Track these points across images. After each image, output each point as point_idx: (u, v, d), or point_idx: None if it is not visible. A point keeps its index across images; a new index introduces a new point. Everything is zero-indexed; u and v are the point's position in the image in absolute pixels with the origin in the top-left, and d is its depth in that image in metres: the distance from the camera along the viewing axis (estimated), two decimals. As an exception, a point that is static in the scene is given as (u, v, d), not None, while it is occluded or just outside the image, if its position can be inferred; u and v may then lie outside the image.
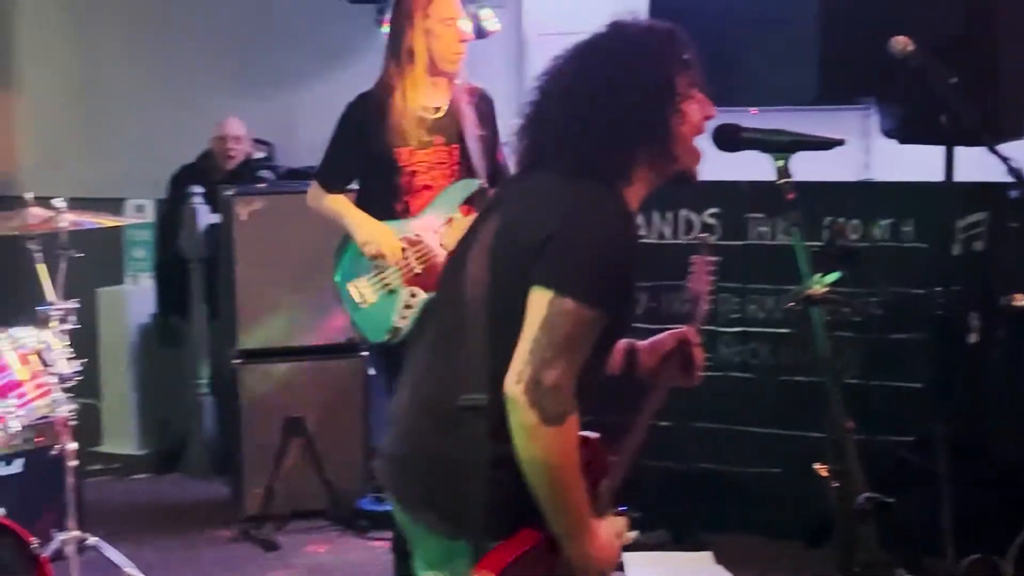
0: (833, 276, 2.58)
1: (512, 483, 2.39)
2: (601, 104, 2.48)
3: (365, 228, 4.42)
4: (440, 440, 2.49)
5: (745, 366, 5.23)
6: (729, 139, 2.61)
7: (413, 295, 4.42)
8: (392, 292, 4.43)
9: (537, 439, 2.33)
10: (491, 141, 4.65)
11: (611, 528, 2.54)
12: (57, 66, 8.34)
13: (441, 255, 4.40)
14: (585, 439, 2.52)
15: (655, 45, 2.53)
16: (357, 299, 4.46)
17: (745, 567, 5.01)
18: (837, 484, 2.48)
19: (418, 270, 4.43)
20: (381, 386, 4.99)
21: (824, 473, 2.49)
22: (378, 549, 5.42)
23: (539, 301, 2.34)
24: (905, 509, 4.77)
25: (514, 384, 2.33)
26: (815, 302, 2.54)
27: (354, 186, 4.66)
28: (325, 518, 5.76)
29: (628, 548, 2.70)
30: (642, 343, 2.80)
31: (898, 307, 5.03)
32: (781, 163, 2.59)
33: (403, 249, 4.41)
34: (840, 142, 2.71)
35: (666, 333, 2.78)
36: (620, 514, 2.68)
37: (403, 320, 4.41)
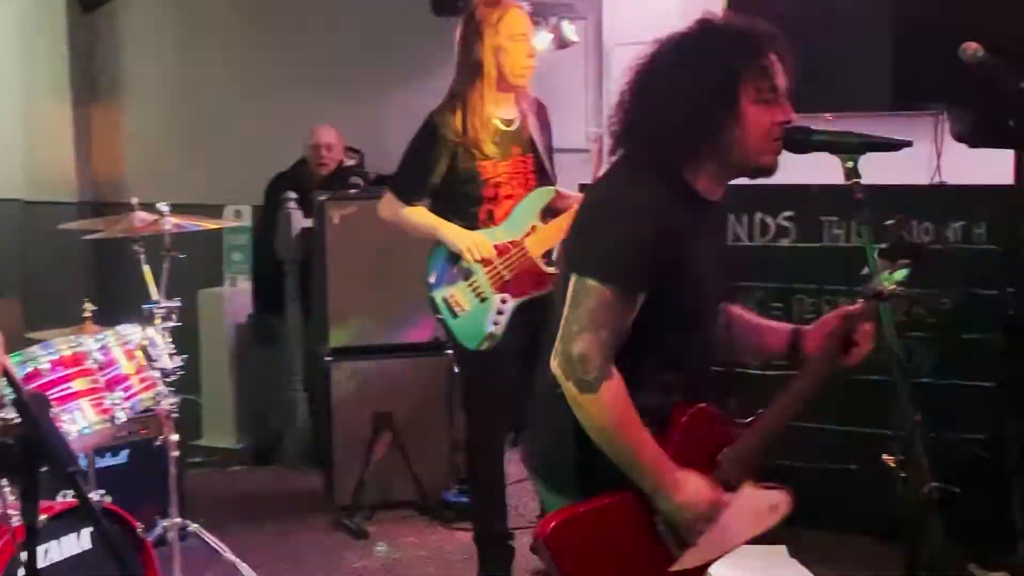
0: (901, 273, 2.54)
1: (589, 449, 2.52)
2: (662, 101, 2.56)
3: (463, 237, 4.42)
4: (541, 417, 2.75)
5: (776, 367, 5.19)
6: (798, 141, 2.59)
7: (504, 301, 4.44)
8: (484, 300, 4.45)
9: (580, 407, 2.50)
10: (551, 149, 4.70)
11: (700, 482, 2.55)
12: (160, 81, 8.49)
13: (528, 261, 4.46)
14: (697, 410, 2.62)
15: (725, 48, 2.56)
16: (454, 308, 4.48)
17: (818, 561, 4.96)
18: (904, 475, 2.44)
19: (507, 277, 4.44)
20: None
21: (892, 464, 2.46)
22: (463, 539, 5.44)
23: (570, 284, 2.53)
24: (976, 505, 4.72)
25: (553, 360, 2.54)
26: (883, 298, 2.50)
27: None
28: (412, 509, 5.78)
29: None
30: (808, 327, 2.80)
31: (970, 308, 4.95)
32: (850, 164, 2.56)
33: (498, 255, 4.44)
34: (908, 143, 2.68)
35: (832, 313, 2.75)
36: (771, 487, 2.71)
37: (496, 326, 4.44)
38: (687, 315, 2.61)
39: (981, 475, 4.64)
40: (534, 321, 4.44)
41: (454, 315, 4.48)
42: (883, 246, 2.58)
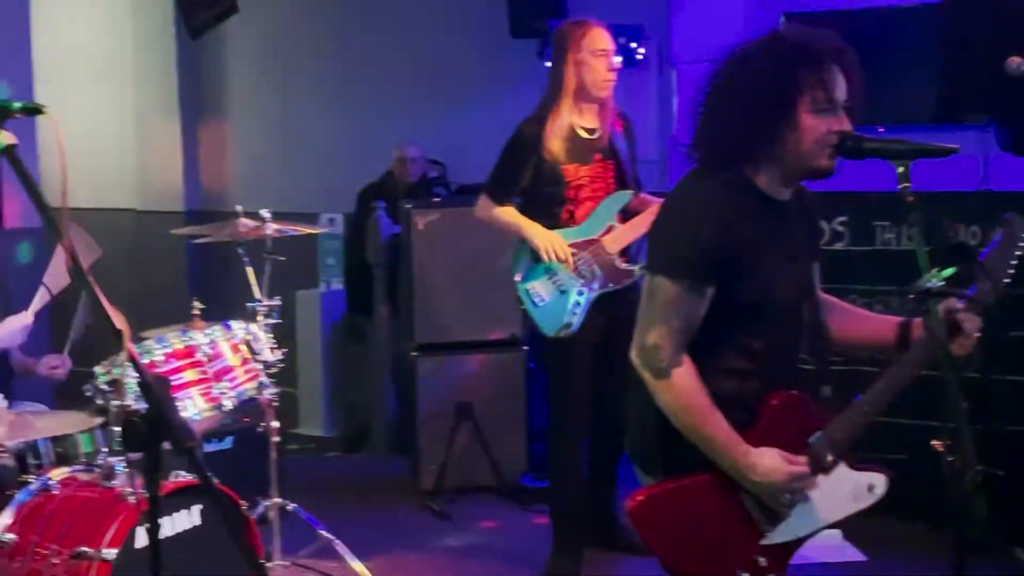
0: (949, 270, 2.53)
1: (670, 432, 2.57)
2: (725, 108, 2.60)
3: (542, 236, 4.48)
4: (630, 404, 2.75)
5: (872, 361, 5.13)
6: (853, 148, 2.59)
7: (581, 293, 4.48)
8: (564, 292, 4.49)
9: (656, 393, 2.56)
10: (633, 156, 4.71)
11: (777, 460, 2.54)
12: (261, 100, 8.58)
13: (605, 257, 4.50)
14: (788, 396, 2.64)
15: (787, 59, 2.56)
16: (535, 298, 4.54)
17: (871, 545, 4.93)
18: (951, 459, 2.42)
19: (585, 272, 4.50)
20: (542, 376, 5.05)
21: (940, 449, 2.44)
22: (538, 521, 5.46)
23: (646, 282, 2.61)
24: (1021, 492, 4.66)
25: (632, 351, 2.59)
26: (933, 295, 2.49)
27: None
28: (491, 493, 5.80)
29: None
30: (916, 320, 2.74)
31: (1018, 306, 4.88)
32: (902, 169, 2.54)
33: (572, 254, 4.48)
34: (955, 150, 2.65)
35: (940, 305, 2.65)
36: (869, 469, 2.75)
37: (574, 316, 4.48)
38: (757, 307, 2.61)
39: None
40: (610, 313, 4.50)
41: (535, 305, 4.54)
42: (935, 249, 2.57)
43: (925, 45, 5.19)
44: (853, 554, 4.89)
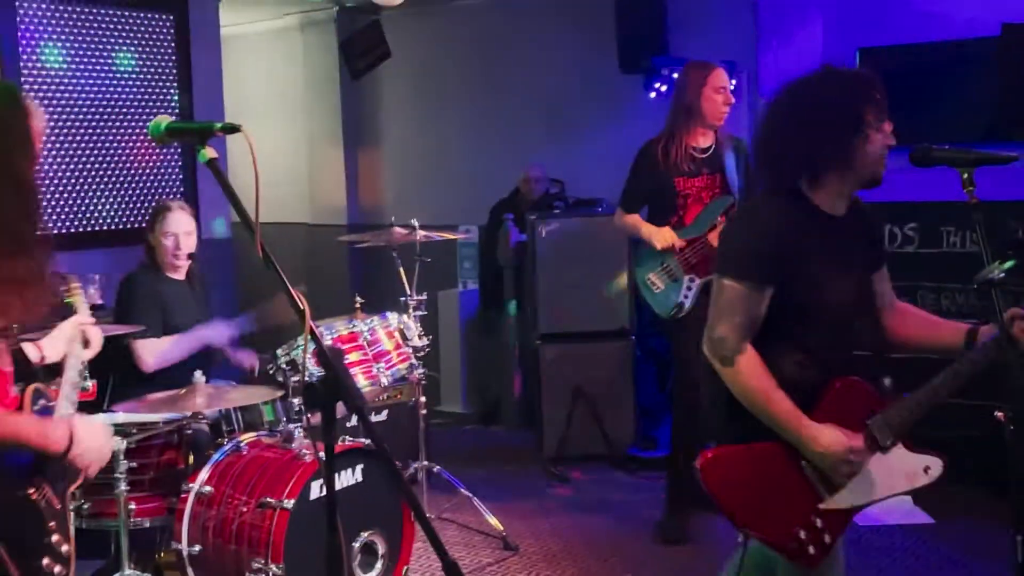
0: (1009, 263, 2.46)
1: (737, 410, 2.58)
2: (796, 130, 2.60)
3: (656, 232, 4.58)
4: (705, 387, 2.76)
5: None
6: (923, 158, 2.54)
7: (692, 280, 4.55)
8: (676, 280, 4.57)
9: (725, 377, 2.57)
10: (742, 171, 4.71)
11: (836, 435, 2.52)
12: (410, 131, 8.69)
13: (711, 250, 4.49)
14: (849, 382, 2.62)
15: (850, 86, 2.60)
16: (652, 286, 4.62)
17: (938, 510, 4.79)
18: (1012, 427, 2.35)
19: (694, 262, 4.55)
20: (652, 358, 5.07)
21: (1002, 418, 2.38)
22: (644, 484, 5.45)
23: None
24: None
25: (704, 343, 2.63)
26: (995, 284, 2.42)
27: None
28: (604, 461, 5.79)
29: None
30: (986, 327, 2.67)
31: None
32: (966, 175, 2.49)
33: (683, 248, 4.55)
34: (1014, 158, 2.58)
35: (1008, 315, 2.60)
36: (927, 452, 2.68)
37: (685, 299, 4.54)
38: (810, 307, 2.59)
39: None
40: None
41: (652, 292, 4.63)
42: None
43: (982, 72, 5.04)
44: (921, 517, 4.76)
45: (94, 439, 2.28)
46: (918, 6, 6.06)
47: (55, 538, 2.28)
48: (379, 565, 3.85)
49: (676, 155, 4.57)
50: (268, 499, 3.58)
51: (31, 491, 2.24)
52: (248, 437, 3.99)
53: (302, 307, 1.80)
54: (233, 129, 1.90)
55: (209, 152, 1.87)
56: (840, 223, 2.65)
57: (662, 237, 4.55)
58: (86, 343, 2.87)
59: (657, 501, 5.16)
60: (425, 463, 4.78)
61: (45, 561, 2.24)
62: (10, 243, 2.13)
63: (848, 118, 2.54)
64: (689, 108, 4.57)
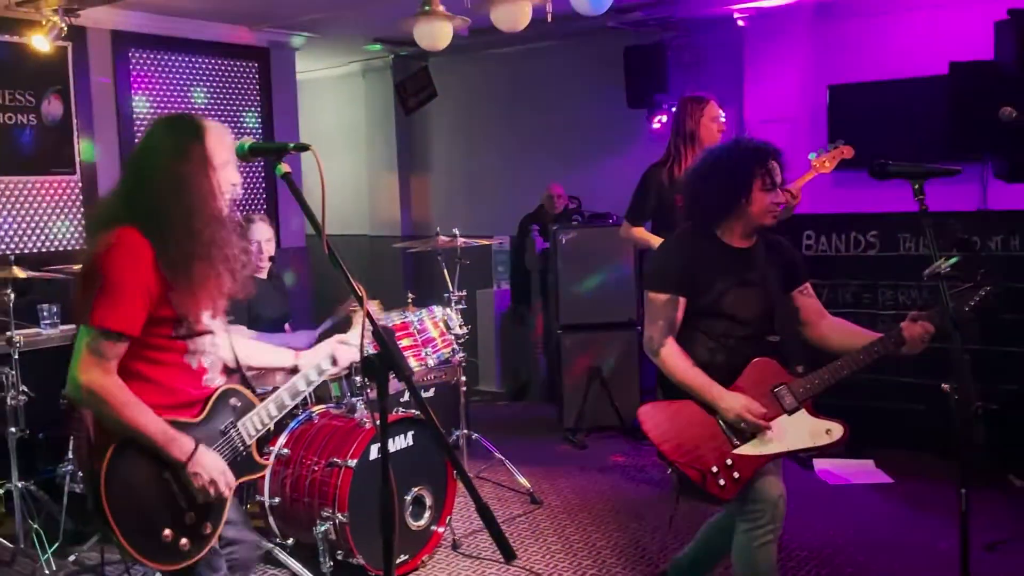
0: (953, 259, 2.44)
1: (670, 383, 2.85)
2: (704, 187, 2.90)
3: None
4: None
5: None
6: (880, 171, 2.52)
7: None
8: None
9: (657, 364, 2.86)
10: None
11: (739, 399, 2.75)
12: (453, 158, 8.72)
13: None
14: (760, 361, 2.84)
15: (747, 156, 2.85)
16: None
17: (897, 471, 4.75)
18: (956, 397, 2.34)
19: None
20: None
21: (947, 389, 2.36)
22: (647, 450, 5.38)
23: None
24: (1015, 430, 4.41)
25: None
26: (941, 276, 2.41)
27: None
28: (614, 431, 5.77)
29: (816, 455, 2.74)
30: (903, 324, 2.83)
31: (1010, 297, 4.62)
32: (917, 186, 2.47)
33: None
34: (958, 171, 2.55)
35: (923, 324, 2.78)
36: (831, 419, 2.82)
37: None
38: (713, 312, 2.84)
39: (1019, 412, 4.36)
40: None
41: None
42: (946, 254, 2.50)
43: (935, 104, 4.97)
44: (882, 477, 4.71)
45: (213, 466, 2.22)
46: (879, 50, 6.01)
47: (188, 516, 2.22)
48: (427, 515, 3.87)
49: (679, 176, 4.46)
50: (335, 459, 3.62)
51: (166, 474, 2.21)
52: (318, 409, 4.04)
53: (360, 293, 1.81)
54: (303, 148, 1.92)
55: (284, 167, 1.89)
56: (743, 253, 2.90)
57: None
58: (334, 360, 2.62)
59: (657, 464, 5.16)
60: (465, 431, 4.78)
61: (167, 533, 2.19)
62: (191, 256, 2.13)
63: (739, 182, 2.81)
64: (688, 135, 4.48)
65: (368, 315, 1.77)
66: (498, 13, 4.06)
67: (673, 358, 2.80)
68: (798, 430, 2.80)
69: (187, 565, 2.22)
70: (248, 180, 6.96)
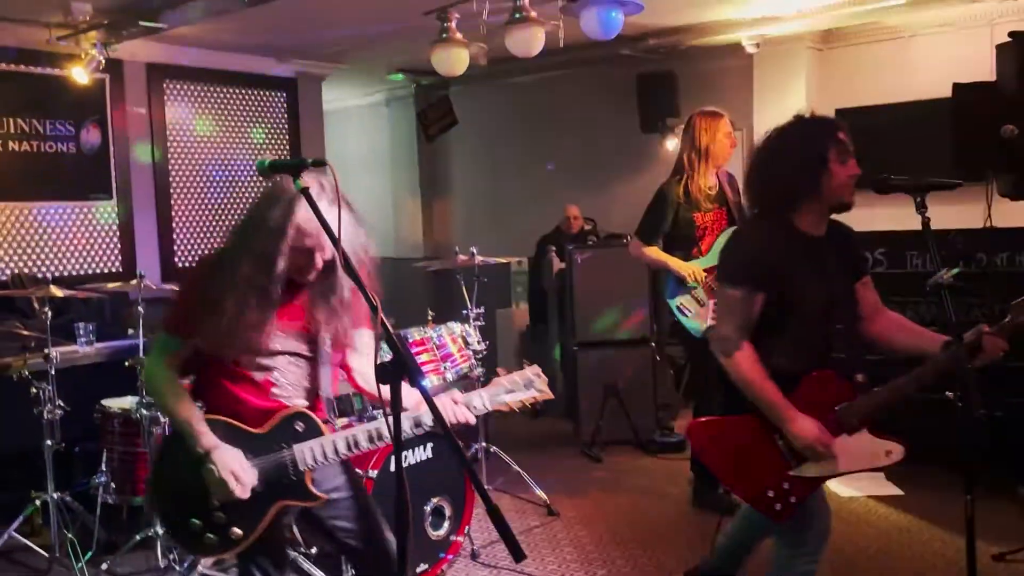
0: (956, 270, 2.41)
1: (731, 390, 2.58)
2: (776, 169, 2.60)
3: (685, 267, 4.38)
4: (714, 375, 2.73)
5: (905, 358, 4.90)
6: (883, 185, 2.51)
7: (715, 302, 4.36)
8: (703, 304, 4.36)
9: (727, 367, 2.57)
10: (738, 202, 4.57)
11: (810, 423, 2.48)
12: (473, 183, 8.78)
13: None
14: (821, 374, 2.56)
15: (815, 130, 2.59)
16: (684, 311, 4.40)
17: (906, 483, 4.68)
18: (961, 404, 2.30)
19: (715, 287, 4.37)
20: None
21: (952, 397, 2.32)
22: (664, 465, 5.38)
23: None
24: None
25: (711, 340, 2.63)
26: (944, 286, 2.38)
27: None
28: (629, 445, 5.72)
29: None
30: (953, 342, 2.55)
31: (1016, 312, 4.57)
32: (919, 199, 2.45)
33: (706, 275, 4.36)
34: (959, 183, 2.54)
35: (974, 330, 2.52)
36: (891, 439, 2.59)
37: (712, 320, 4.32)
38: (794, 307, 2.56)
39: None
40: None
41: (685, 316, 4.40)
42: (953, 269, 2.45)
43: (941, 125, 4.94)
44: (892, 489, 4.64)
45: (229, 464, 2.24)
46: (885, 74, 6.01)
47: (217, 514, 2.28)
48: (446, 525, 3.85)
49: (695, 192, 4.38)
50: (357, 470, 3.60)
51: (204, 469, 2.27)
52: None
53: (375, 303, 1.83)
54: (321, 163, 1.95)
55: (303, 182, 1.91)
56: (819, 241, 2.62)
57: (691, 271, 4.35)
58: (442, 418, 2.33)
59: (671, 477, 5.13)
60: (484, 444, 4.77)
61: (195, 522, 2.27)
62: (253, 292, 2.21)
63: (812, 157, 2.53)
64: (703, 151, 4.39)
65: (384, 323, 1.78)
66: (512, 39, 4.09)
67: (748, 363, 2.51)
68: (858, 451, 2.56)
69: (214, 558, 2.28)
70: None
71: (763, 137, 2.68)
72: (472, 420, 2.42)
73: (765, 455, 2.53)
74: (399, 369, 1.76)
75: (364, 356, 2.48)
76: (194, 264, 2.35)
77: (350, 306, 2.32)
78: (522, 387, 2.47)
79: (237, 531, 2.28)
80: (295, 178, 1.93)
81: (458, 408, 2.38)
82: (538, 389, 2.48)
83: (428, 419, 2.37)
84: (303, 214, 2.12)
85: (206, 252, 6.72)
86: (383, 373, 1.77)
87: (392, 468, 3.65)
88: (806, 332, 2.58)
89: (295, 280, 2.29)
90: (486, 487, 4.72)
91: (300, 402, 2.39)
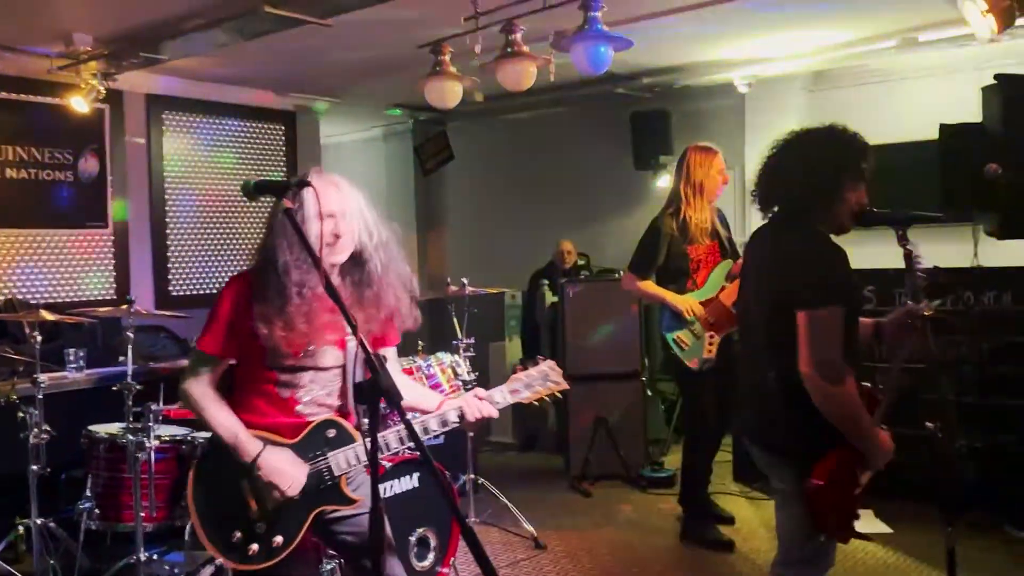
0: (936, 302, 2.42)
1: (809, 424, 2.33)
2: (802, 180, 2.44)
3: (681, 301, 4.39)
4: (769, 407, 2.49)
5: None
6: (866, 218, 2.52)
7: (712, 337, 4.36)
8: (699, 337, 4.37)
9: (833, 395, 2.29)
10: (729, 236, 4.60)
11: (888, 437, 2.40)
12: (467, 216, 8.82)
13: (724, 309, 4.37)
14: (863, 388, 2.43)
15: (839, 149, 2.47)
16: (680, 344, 4.41)
17: (895, 521, 4.64)
18: (941, 435, 2.29)
19: (712, 321, 4.37)
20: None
21: (932, 427, 2.32)
22: (653, 500, 5.36)
23: (802, 318, 2.31)
24: (1013, 481, 4.31)
25: (805, 368, 2.30)
26: (927, 318, 2.39)
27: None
28: (620, 479, 5.69)
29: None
30: (883, 320, 2.60)
31: (1003, 350, 4.58)
32: (901, 232, 2.47)
33: (702, 309, 4.38)
34: (940, 216, 2.56)
35: (899, 311, 2.54)
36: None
37: (709, 353, 4.35)
38: (856, 322, 2.47)
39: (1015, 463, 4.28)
40: (726, 349, 4.36)
41: (681, 349, 4.40)
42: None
43: (929, 166, 4.97)
44: (881, 527, 4.61)
45: (278, 463, 2.30)
46: (873, 115, 6.07)
47: (259, 524, 2.32)
48: (431, 556, 3.82)
49: (690, 227, 4.40)
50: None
51: (244, 481, 2.31)
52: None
53: (354, 323, 1.84)
54: (304, 183, 1.97)
55: (286, 203, 1.93)
56: None
57: (688, 305, 4.36)
58: (462, 415, 2.50)
59: (660, 512, 5.10)
60: (472, 475, 4.74)
61: (237, 535, 2.30)
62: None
63: (835, 172, 2.43)
64: (697, 186, 4.42)
65: (362, 343, 1.79)
66: (504, 73, 4.15)
67: (854, 389, 2.28)
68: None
69: (255, 568, 2.29)
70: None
71: (786, 139, 2.54)
72: (496, 414, 2.51)
73: (854, 488, 2.41)
74: (375, 390, 1.77)
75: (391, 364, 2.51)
76: (225, 283, 2.35)
77: (382, 301, 2.36)
78: (539, 381, 2.55)
79: (279, 539, 2.33)
80: (278, 200, 1.95)
81: (483, 404, 2.47)
82: (554, 381, 2.55)
83: (453, 416, 2.47)
84: (316, 204, 2.19)
85: (201, 281, 6.74)
86: (360, 393, 1.77)
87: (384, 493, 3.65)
88: (857, 345, 2.47)
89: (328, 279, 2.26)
90: (473, 519, 4.70)
91: (321, 413, 2.43)
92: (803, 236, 2.44)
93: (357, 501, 2.40)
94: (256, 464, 2.27)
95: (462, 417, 2.46)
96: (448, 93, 4.63)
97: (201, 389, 2.35)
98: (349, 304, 2.24)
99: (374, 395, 1.78)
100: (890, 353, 2.53)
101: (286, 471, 2.29)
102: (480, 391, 2.52)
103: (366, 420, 2.36)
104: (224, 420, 2.32)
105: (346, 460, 2.38)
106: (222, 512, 2.33)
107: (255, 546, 2.31)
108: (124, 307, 3.97)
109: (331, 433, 2.41)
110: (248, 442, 2.30)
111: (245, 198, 2.04)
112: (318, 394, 2.40)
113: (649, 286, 4.49)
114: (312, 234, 2.14)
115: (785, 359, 2.33)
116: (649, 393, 5.98)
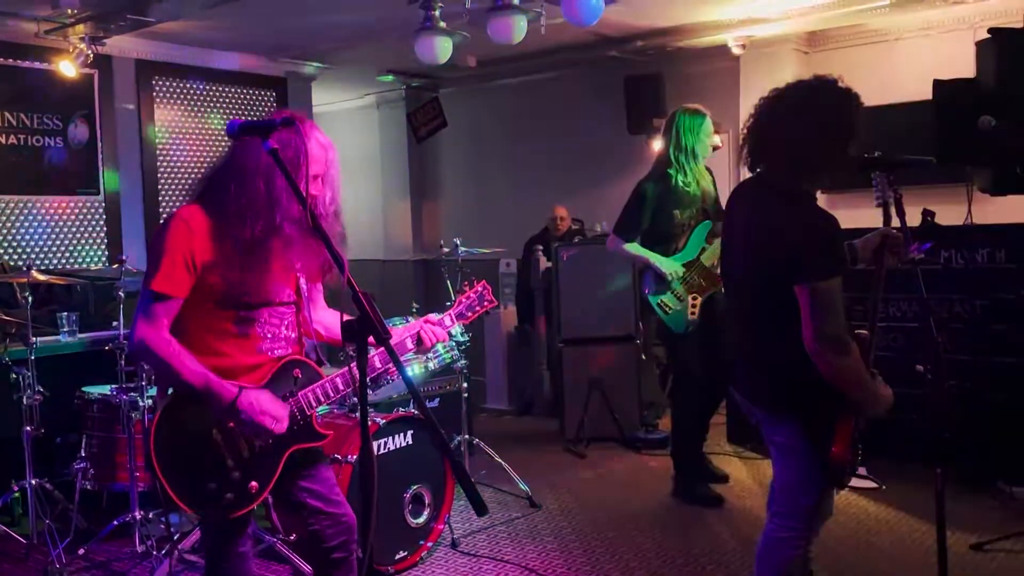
0: (927, 245, 2.42)
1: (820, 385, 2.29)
2: (804, 134, 2.34)
3: (665, 264, 4.40)
4: (771, 370, 2.45)
5: (888, 348, 4.90)
6: (857, 162, 2.50)
7: (695, 299, 4.39)
8: (682, 300, 4.39)
9: (840, 364, 2.26)
10: (716, 197, 4.58)
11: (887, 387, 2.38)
12: (461, 185, 8.80)
13: (705, 270, 4.39)
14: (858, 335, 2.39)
15: (849, 108, 2.37)
16: (664, 308, 4.42)
17: (885, 477, 4.67)
18: (930, 376, 2.28)
19: (693, 283, 4.39)
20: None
21: (922, 370, 2.31)
22: (648, 462, 5.38)
23: (809, 291, 2.24)
24: (1005, 436, 4.33)
25: (812, 342, 2.24)
26: (916, 262, 2.39)
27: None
28: (613, 441, 5.71)
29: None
30: (855, 241, 2.55)
31: (998, 308, 4.59)
32: (891, 176, 2.45)
33: (684, 271, 4.40)
34: (929, 160, 2.55)
35: (872, 233, 2.50)
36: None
37: (693, 316, 4.38)
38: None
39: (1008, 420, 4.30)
40: (710, 308, 4.39)
41: (665, 313, 4.42)
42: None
43: (925, 127, 4.93)
44: (872, 483, 4.64)
45: (263, 403, 2.25)
46: (869, 76, 6.04)
47: (235, 474, 2.26)
48: (426, 512, 3.85)
49: (677, 190, 4.37)
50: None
51: (214, 431, 2.24)
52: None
53: (342, 260, 1.83)
54: (290, 123, 1.95)
55: (271, 143, 1.92)
56: None
57: (673, 269, 4.38)
58: (420, 340, 2.53)
59: (654, 472, 5.12)
60: (467, 436, 4.75)
61: (211, 486, 2.23)
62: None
63: (848, 132, 2.32)
64: (687, 149, 4.39)
65: (350, 281, 1.78)
66: (494, 26, 4.11)
67: (859, 355, 2.27)
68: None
69: (232, 517, 2.26)
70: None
71: (783, 92, 2.39)
72: (446, 338, 2.66)
73: (852, 440, 2.39)
74: (364, 328, 1.76)
75: (319, 306, 2.52)
76: (171, 216, 2.22)
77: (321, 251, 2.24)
78: (477, 303, 2.72)
79: (254, 484, 2.29)
80: (264, 139, 1.93)
81: (436, 328, 2.55)
82: (488, 300, 2.73)
83: (410, 343, 2.53)
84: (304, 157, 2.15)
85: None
86: (349, 332, 1.76)
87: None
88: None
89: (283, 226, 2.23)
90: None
91: (285, 350, 2.39)
92: (799, 204, 2.34)
93: (328, 436, 2.40)
94: (236, 407, 2.20)
95: (420, 343, 2.53)
96: (439, 49, 4.60)
97: (162, 335, 2.18)
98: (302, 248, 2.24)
99: (363, 334, 1.76)
100: (868, 284, 2.49)
101: (269, 409, 2.25)
102: (432, 316, 2.62)
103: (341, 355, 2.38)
104: (194, 367, 2.18)
105: (315, 398, 2.39)
106: (193, 466, 2.22)
107: (230, 495, 2.25)
108: (115, 265, 3.95)
109: (297, 372, 2.38)
110: (222, 387, 2.20)
111: (227, 135, 2.02)
112: (276, 328, 2.36)
113: (633, 248, 4.49)
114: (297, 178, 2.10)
115: (789, 328, 2.28)
116: (644, 357, 5.98)
